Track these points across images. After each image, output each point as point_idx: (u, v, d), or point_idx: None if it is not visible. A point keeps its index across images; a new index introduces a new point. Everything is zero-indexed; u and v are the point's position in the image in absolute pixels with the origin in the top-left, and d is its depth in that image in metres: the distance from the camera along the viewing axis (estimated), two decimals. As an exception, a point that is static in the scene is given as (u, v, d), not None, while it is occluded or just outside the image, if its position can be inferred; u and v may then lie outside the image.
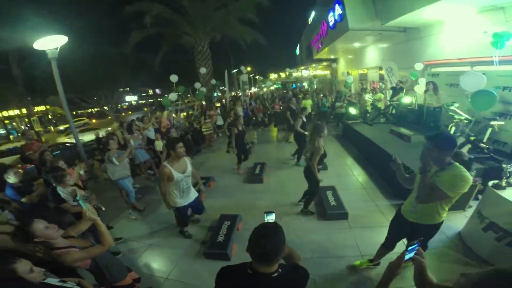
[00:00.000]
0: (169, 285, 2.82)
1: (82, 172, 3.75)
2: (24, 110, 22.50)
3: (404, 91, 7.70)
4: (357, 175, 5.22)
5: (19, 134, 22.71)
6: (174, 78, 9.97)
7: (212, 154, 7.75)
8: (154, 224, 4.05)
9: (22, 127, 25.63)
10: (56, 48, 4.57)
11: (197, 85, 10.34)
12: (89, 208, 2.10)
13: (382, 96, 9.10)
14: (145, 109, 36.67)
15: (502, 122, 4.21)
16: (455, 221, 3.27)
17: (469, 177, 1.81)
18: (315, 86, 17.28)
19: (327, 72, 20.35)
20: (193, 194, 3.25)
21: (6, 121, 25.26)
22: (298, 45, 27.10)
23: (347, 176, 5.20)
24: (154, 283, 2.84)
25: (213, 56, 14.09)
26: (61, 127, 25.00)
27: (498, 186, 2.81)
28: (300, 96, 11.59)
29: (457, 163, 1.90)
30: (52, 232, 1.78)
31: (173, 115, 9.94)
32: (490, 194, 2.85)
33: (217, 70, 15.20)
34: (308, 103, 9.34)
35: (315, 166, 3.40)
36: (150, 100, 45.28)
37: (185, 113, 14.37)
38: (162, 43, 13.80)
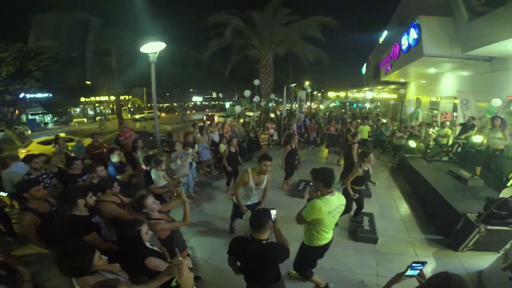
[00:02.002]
0: (206, 267, 3.37)
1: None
2: (112, 97, 26.51)
3: (476, 129, 7.03)
4: (400, 207, 5.21)
5: (104, 118, 27.32)
6: (247, 93, 10.88)
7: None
8: (206, 215, 4.81)
9: (107, 111, 31.16)
10: (156, 52, 5.31)
11: (247, 92, 10.97)
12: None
13: (450, 132, 8.31)
14: (207, 110, 40.43)
15: None
16: (482, 262, 3.21)
17: (316, 204, 2.23)
18: (377, 110, 16.45)
19: (393, 96, 19.10)
20: (255, 200, 3.61)
21: (97, 105, 31.07)
22: (365, 64, 26.14)
23: (389, 207, 5.23)
24: (194, 264, 3.26)
25: (275, 69, 14.72)
26: (137, 116, 29.15)
27: None
28: (359, 120, 11.20)
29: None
30: (155, 206, 2.37)
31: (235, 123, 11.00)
32: None
33: (277, 83, 15.92)
34: (365, 129, 9.12)
35: (348, 184, 3.74)
36: (212, 102, 49.34)
37: (242, 120, 15.50)
38: (232, 53, 15.20)
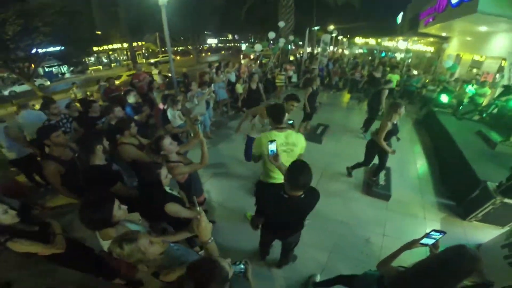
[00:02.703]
0: (221, 210, 3.45)
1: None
2: (125, 44, 26.26)
3: None
4: (419, 164, 5.04)
5: (120, 64, 27.08)
6: (271, 35, 10.25)
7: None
8: (222, 156, 4.84)
9: (122, 57, 30.52)
10: None
11: (271, 34, 10.33)
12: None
13: (489, 92, 7.59)
14: (223, 52, 38.42)
15: None
16: (485, 235, 3.15)
17: (261, 138, 2.22)
18: (409, 60, 15.05)
19: (430, 49, 17.09)
20: None
21: (110, 52, 30.42)
22: (402, 13, 23.03)
23: (408, 162, 5.07)
24: (209, 207, 3.40)
25: (296, 10, 13.65)
26: (152, 60, 28.43)
27: None
28: (388, 68, 10.52)
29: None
30: (172, 147, 2.27)
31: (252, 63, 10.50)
32: None
33: (298, 25, 14.67)
34: (394, 77, 8.62)
35: (382, 141, 3.43)
36: (228, 45, 46.81)
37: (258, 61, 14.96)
38: None
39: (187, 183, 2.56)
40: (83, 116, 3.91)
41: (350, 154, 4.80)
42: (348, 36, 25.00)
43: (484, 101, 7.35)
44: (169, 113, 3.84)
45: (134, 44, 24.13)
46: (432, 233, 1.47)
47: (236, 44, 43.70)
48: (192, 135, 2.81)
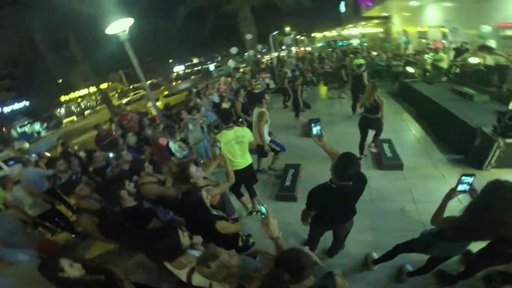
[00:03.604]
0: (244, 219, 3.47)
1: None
2: (92, 89, 24.97)
3: (470, 51, 7.15)
4: (414, 130, 5.49)
5: (95, 110, 26.13)
6: (234, 50, 10.67)
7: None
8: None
9: (94, 103, 29.44)
10: (125, 30, 4.74)
11: (233, 50, 10.75)
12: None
13: (445, 56, 8.48)
14: (193, 77, 38.60)
15: None
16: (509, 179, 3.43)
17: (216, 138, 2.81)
18: (365, 44, 16.20)
19: (380, 30, 18.54)
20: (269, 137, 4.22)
21: (79, 100, 29.29)
22: (343, 2, 24.81)
23: (404, 131, 5.50)
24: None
25: (256, 21, 14.23)
26: (124, 100, 27.78)
27: None
28: (351, 55, 11.30)
29: None
30: (199, 173, 2.36)
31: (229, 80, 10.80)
32: None
33: (260, 34, 15.31)
34: (360, 61, 9.19)
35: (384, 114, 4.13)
36: (195, 69, 46.96)
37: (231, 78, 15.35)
38: (206, 13, 14.22)
39: (221, 204, 2.66)
40: (86, 168, 3.96)
41: (347, 140, 4.96)
42: (305, 34, 26.35)
43: (445, 65, 8.15)
44: (171, 146, 3.83)
45: (103, 86, 23.08)
46: (463, 178, 1.57)
47: (203, 66, 43.92)
48: (211, 156, 2.90)
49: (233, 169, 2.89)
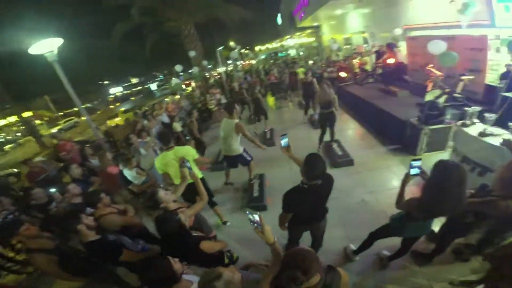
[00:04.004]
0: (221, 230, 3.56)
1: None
2: (12, 118, 21.76)
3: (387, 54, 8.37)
4: (354, 129, 6.16)
5: (17, 143, 22.34)
6: (178, 67, 10.47)
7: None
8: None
9: (18, 134, 24.89)
10: (53, 51, 4.39)
11: (178, 67, 10.66)
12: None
13: (368, 59, 9.80)
14: (133, 98, 36.09)
15: (472, 77, 4.84)
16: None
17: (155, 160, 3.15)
18: (301, 54, 17.65)
19: (313, 39, 20.52)
20: None
21: None
22: (279, 14, 26.68)
23: (347, 130, 6.13)
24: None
25: (201, 37, 14.26)
26: (53, 130, 24.43)
27: (464, 124, 3.66)
28: (290, 65, 12.19)
29: None
30: (169, 197, 2.30)
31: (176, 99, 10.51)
32: (460, 133, 3.66)
33: (205, 50, 15.35)
34: (301, 70, 10.11)
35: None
36: (134, 89, 44.24)
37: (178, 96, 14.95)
38: (147, 32, 13.72)
39: (196, 224, 2.59)
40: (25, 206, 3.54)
41: (304, 144, 5.37)
42: (249, 48, 27.43)
43: (369, 67, 9.41)
44: (127, 174, 3.60)
45: (26, 114, 19.15)
46: (413, 162, 1.84)
47: (144, 86, 41.71)
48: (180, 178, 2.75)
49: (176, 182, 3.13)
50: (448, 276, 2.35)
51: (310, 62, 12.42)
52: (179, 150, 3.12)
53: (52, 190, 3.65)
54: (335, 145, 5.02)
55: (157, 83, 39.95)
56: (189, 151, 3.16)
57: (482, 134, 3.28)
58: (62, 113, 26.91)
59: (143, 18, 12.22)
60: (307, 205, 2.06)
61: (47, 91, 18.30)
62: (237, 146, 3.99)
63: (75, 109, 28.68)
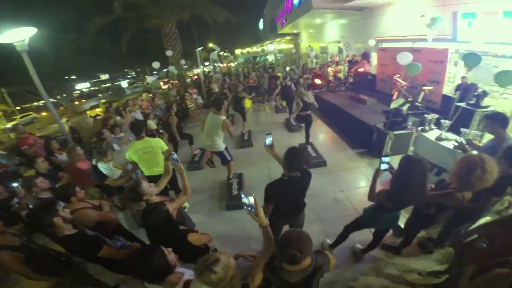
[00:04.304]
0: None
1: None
2: None
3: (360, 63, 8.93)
4: (326, 133, 6.46)
5: None
6: (156, 64, 10.15)
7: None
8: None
9: None
10: (24, 40, 4.06)
11: (156, 64, 10.38)
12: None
13: (342, 68, 10.38)
14: (100, 95, 33.94)
15: (431, 87, 5.42)
16: None
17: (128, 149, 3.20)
18: (279, 59, 18.07)
19: (291, 46, 21.15)
20: None
21: None
22: (262, 20, 27.13)
23: (319, 134, 6.40)
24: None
25: (181, 36, 13.99)
26: (8, 125, 22.09)
27: (423, 130, 4.08)
28: (270, 70, 12.41)
29: None
30: (152, 189, 2.20)
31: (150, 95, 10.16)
32: (420, 137, 4.06)
33: (185, 49, 15.09)
34: (280, 75, 10.35)
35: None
36: (102, 86, 41.60)
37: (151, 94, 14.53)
38: (124, 27, 13.14)
39: (179, 218, 2.58)
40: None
41: (280, 146, 5.47)
42: (226, 50, 27.41)
43: (342, 75, 9.97)
44: (103, 168, 3.40)
45: None
46: (383, 158, 2.07)
47: (115, 83, 39.23)
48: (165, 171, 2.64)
49: (149, 175, 3.33)
50: (417, 267, 2.58)
51: (287, 68, 12.73)
52: (148, 140, 3.26)
53: (14, 184, 3.35)
54: (309, 148, 5.22)
55: (128, 80, 38.20)
56: (159, 144, 3.27)
57: (439, 138, 3.67)
58: (19, 108, 24.50)
59: (125, 12, 11.70)
60: (287, 197, 2.16)
61: (4, 84, 16.55)
62: (221, 143, 3.97)
63: (35, 103, 26.29)
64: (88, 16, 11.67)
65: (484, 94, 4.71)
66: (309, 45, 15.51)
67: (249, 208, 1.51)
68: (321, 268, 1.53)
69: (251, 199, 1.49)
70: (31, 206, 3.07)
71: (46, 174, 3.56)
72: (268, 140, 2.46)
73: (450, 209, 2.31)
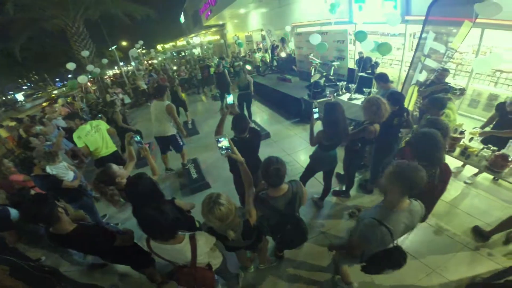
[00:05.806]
0: None
1: None
2: None
3: (280, 48, 9.84)
4: (264, 110, 7.25)
5: None
6: (71, 65, 8.87)
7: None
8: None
9: None
10: None
11: (71, 65, 9.21)
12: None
13: (267, 54, 11.17)
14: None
15: (338, 63, 6.28)
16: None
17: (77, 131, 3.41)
18: (210, 51, 17.92)
19: (217, 37, 21.13)
20: None
21: None
22: (182, 14, 26.09)
23: (258, 113, 7.11)
24: None
25: (92, 36, 12.51)
26: None
27: (338, 95, 5.12)
28: (201, 62, 12.37)
29: None
30: (123, 171, 2.16)
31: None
32: (337, 101, 4.93)
33: (98, 50, 13.56)
34: (212, 64, 10.53)
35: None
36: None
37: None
38: (18, 31, 11.13)
39: None
40: None
41: (227, 125, 5.85)
42: (144, 47, 25.35)
43: (268, 60, 10.79)
44: (54, 170, 3.05)
45: None
46: (314, 109, 2.50)
47: (8, 97, 31.75)
48: (127, 157, 2.49)
49: (100, 156, 3.57)
50: (365, 204, 3.20)
51: (216, 59, 12.93)
52: (93, 122, 3.57)
53: None
54: (252, 124, 5.74)
55: (23, 92, 31.82)
56: (102, 123, 3.64)
57: (350, 99, 4.77)
58: None
59: (20, 14, 9.90)
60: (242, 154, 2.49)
61: None
62: (171, 127, 4.03)
63: None
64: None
65: (377, 64, 6.02)
66: (235, 35, 15.96)
67: (226, 150, 1.64)
68: (298, 194, 1.78)
69: (226, 141, 1.61)
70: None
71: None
72: (230, 99, 2.75)
73: (372, 143, 2.96)
